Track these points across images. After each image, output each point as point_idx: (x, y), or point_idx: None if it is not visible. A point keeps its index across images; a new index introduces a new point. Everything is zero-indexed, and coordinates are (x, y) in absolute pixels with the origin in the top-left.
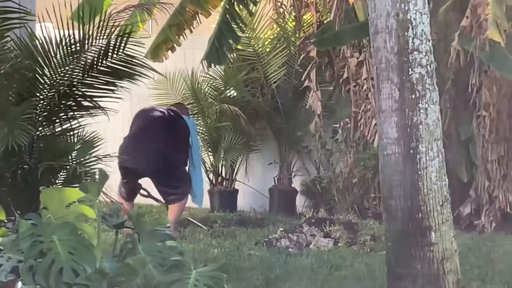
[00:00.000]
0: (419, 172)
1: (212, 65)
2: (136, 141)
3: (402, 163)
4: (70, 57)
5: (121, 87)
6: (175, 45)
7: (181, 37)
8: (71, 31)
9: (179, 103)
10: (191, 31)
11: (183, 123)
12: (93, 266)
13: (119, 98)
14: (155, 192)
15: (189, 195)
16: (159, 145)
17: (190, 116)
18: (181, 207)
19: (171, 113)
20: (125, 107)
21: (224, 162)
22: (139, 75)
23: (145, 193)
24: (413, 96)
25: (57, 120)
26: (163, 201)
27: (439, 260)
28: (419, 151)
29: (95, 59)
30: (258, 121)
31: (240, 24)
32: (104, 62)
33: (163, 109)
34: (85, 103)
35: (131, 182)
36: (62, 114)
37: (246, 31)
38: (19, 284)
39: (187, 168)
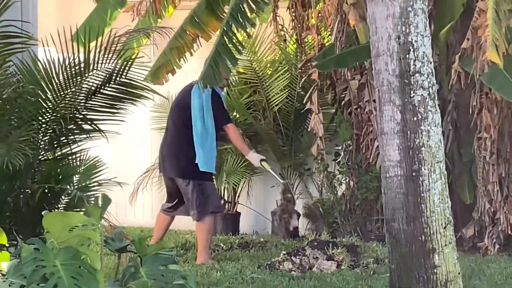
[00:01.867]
0: (422, 195)
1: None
2: (163, 145)
3: (404, 185)
4: (73, 81)
5: (124, 110)
6: (175, 68)
7: (181, 60)
8: (73, 55)
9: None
10: (191, 54)
11: (188, 95)
12: None
13: (122, 121)
14: None
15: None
16: (176, 144)
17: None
18: (209, 226)
19: (184, 96)
20: (126, 131)
21: (226, 185)
22: (142, 98)
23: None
24: (415, 118)
25: (60, 144)
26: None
27: (442, 282)
28: (421, 173)
29: (98, 83)
30: (260, 143)
31: (238, 46)
32: (107, 86)
33: (181, 93)
34: (87, 127)
35: (171, 191)
36: (64, 138)
37: (247, 54)
38: None
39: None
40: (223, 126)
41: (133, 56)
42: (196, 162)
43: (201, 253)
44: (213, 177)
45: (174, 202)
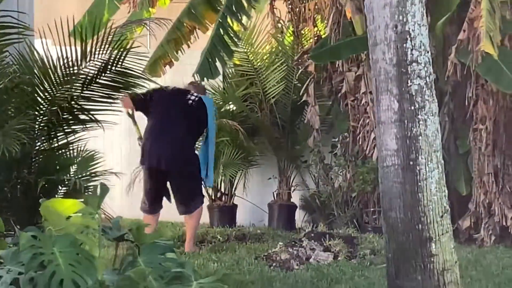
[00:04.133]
0: (419, 184)
1: (210, 80)
2: (157, 138)
3: (401, 174)
4: (70, 71)
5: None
6: (172, 60)
7: (178, 52)
8: (69, 47)
9: (192, 82)
10: (188, 46)
11: (202, 107)
12: (94, 278)
13: (119, 111)
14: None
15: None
16: (180, 142)
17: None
18: (197, 219)
19: (192, 99)
20: (123, 122)
21: (223, 177)
22: (138, 87)
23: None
24: (412, 107)
25: (57, 134)
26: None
27: (439, 271)
28: (418, 163)
29: (95, 72)
30: (257, 136)
31: (234, 38)
32: (103, 75)
33: (183, 92)
34: (83, 117)
35: (156, 186)
36: (61, 128)
37: (244, 46)
38: None
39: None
40: None
41: (129, 46)
42: (196, 167)
43: (190, 241)
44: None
45: (155, 201)
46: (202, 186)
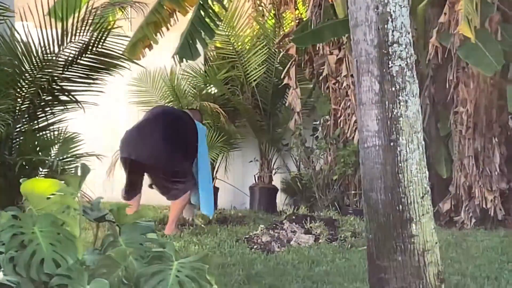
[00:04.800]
0: (400, 165)
1: (192, 62)
2: (140, 132)
3: (382, 155)
4: (50, 52)
5: (100, 80)
6: (152, 42)
7: (158, 34)
8: (50, 30)
9: (194, 109)
10: (168, 29)
11: (192, 125)
12: (74, 257)
13: (100, 91)
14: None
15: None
16: (161, 140)
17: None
18: (183, 204)
19: (182, 113)
20: (103, 104)
21: None
22: (118, 67)
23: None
24: (393, 88)
25: (37, 116)
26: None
27: (419, 251)
28: (399, 144)
29: (75, 53)
30: (238, 118)
31: (215, 19)
32: (83, 56)
33: (175, 108)
34: (64, 98)
35: (132, 176)
36: (42, 109)
37: (225, 29)
38: (0, 274)
39: (192, 169)
40: None
41: (110, 27)
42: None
43: (172, 224)
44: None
45: (135, 188)
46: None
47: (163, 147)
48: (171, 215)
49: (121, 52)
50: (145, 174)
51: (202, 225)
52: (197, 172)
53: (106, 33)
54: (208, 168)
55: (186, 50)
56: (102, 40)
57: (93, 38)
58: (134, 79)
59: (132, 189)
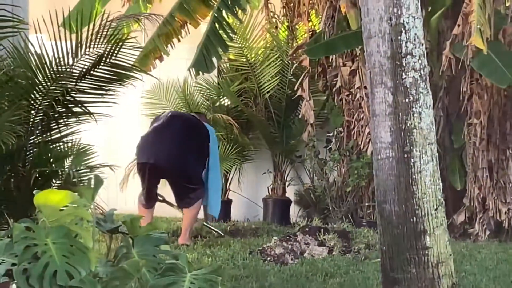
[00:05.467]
0: (413, 176)
1: (206, 74)
2: (156, 137)
3: (396, 167)
4: (64, 64)
5: (113, 91)
6: (163, 54)
7: (172, 46)
8: (64, 42)
9: (199, 112)
10: (179, 40)
11: (204, 128)
12: (87, 269)
13: (114, 103)
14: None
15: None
16: (178, 144)
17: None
18: (195, 212)
19: (192, 117)
20: (118, 116)
21: None
22: (131, 79)
23: (161, 198)
24: (407, 100)
25: (51, 127)
26: (177, 205)
27: (433, 263)
28: (413, 155)
29: (89, 65)
30: (251, 130)
31: (229, 32)
32: (97, 67)
33: (185, 113)
34: (78, 110)
35: (151, 182)
36: (55, 121)
37: (239, 41)
38: (13, 286)
39: (203, 173)
40: None
41: (123, 38)
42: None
43: (185, 234)
44: None
45: (153, 195)
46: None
47: (180, 151)
48: (185, 224)
49: (134, 63)
50: (162, 179)
51: (219, 232)
52: (207, 172)
53: (120, 44)
54: (218, 168)
55: (201, 63)
56: (116, 52)
57: (107, 50)
58: (147, 91)
59: (150, 196)
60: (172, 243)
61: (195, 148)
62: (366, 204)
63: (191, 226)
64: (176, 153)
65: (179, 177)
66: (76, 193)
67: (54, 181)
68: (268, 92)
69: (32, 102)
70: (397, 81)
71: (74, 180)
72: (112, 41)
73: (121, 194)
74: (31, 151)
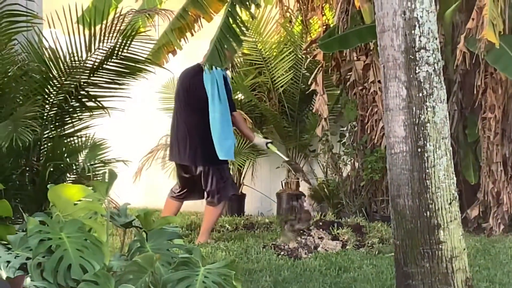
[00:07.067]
0: (427, 171)
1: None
2: (174, 132)
3: (410, 161)
4: (78, 59)
5: (127, 85)
6: (176, 48)
7: (185, 41)
8: (77, 36)
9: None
10: (192, 35)
11: (198, 74)
12: (101, 263)
13: (127, 97)
14: None
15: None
16: (189, 131)
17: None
18: (219, 212)
19: (189, 72)
20: (132, 110)
21: (231, 166)
22: (144, 72)
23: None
24: (421, 94)
25: (66, 121)
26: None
27: (447, 258)
28: (427, 149)
29: (102, 58)
30: (265, 125)
31: (242, 27)
32: (110, 61)
33: (185, 74)
34: (91, 104)
35: (183, 178)
36: (69, 115)
37: (252, 36)
38: (28, 280)
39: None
40: (232, 112)
41: (137, 31)
42: (213, 148)
43: (205, 233)
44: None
45: (185, 189)
46: (229, 175)
47: (196, 143)
48: (205, 223)
49: (147, 57)
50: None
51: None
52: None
53: (133, 37)
54: (217, 111)
55: (215, 57)
56: (128, 45)
57: (119, 43)
58: (163, 85)
59: (187, 191)
60: (185, 237)
61: (197, 113)
62: (380, 198)
63: (211, 226)
64: (187, 144)
65: (195, 171)
66: (90, 187)
67: (68, 175)
68: (282, 87)
69: (46, 96)
70: (411, 75)
71: (88, 174)
72: (126, 34)
73: (134, 188)
74: (46, 145)
